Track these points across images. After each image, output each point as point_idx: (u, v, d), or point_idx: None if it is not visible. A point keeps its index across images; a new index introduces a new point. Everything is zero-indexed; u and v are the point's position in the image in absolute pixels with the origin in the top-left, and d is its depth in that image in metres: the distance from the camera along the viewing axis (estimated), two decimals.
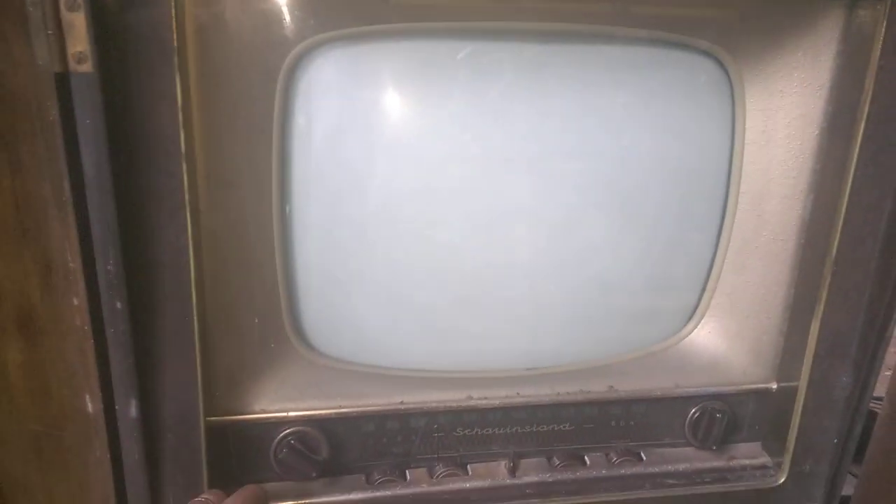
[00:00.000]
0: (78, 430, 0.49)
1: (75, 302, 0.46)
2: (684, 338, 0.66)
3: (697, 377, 0.65)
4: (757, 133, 0.60)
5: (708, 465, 0.67)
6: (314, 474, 0.58)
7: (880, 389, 0.66)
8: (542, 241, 0.61)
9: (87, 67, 0.43)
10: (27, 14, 0.41)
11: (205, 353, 0.53)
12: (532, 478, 0.63)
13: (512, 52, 0.55)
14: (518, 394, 0.62)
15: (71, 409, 0.49)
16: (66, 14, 0.42)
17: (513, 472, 0.63)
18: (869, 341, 0.61)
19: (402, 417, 0.60)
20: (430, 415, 0.61)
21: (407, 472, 0.62)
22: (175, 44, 0.45)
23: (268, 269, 0.56)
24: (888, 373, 0.68)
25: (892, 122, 0.54)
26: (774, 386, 0.66)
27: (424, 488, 0.61)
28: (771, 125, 0.59)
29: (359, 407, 0.59)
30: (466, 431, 0.62)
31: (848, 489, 0.71)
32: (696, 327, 0.66)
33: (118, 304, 0.47)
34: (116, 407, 0.49)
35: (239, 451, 0.57)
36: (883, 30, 0.52)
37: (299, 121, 0.54)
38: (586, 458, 0.65)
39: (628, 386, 0.64)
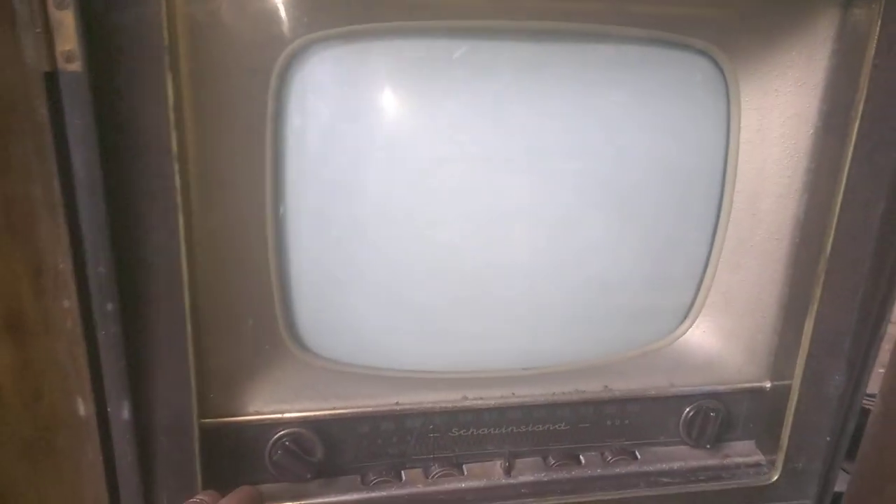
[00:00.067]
0: (70, 433, 0.49)
1: (66, 304, 0.46)
2: (679, 337, 0.66)
3: (692, 376, 0.65)
4: (752, 132, 0.60)
5: (702, 463, 0.67)
6: (309, 476, 0.58)
7: (873, 387, 0.67)
8: (538, 241, 0.61)
9: (76, 66, 0.42)
10: (14, 12, 0.41)
11: (198, 354, 0.52)
12: (528, 477, 0.63)
13: (508, 52, 0.55)
14: (513, 394, 0.62)
15: (63, 412, 0.48)
16: (54, 12, 0.41)
17: (508, 471, 0.63)
18: (862, 340, 0.62)
19: (398, 418, 0.60)
20: (426, 415, 0.61)
21: (402, 472, 0.62)
22: (166, 42, 0.45)
23: (262, 270, 0.55)
24: (881, 370, 0.69)
25: (887, 121, 0.54)
26: (768, 384, 0.66)
27: (420, 489, 0.61)
28: (766, 124, 0.59)
29: (354, 408, 0.59)
30: (462, 432, 0.62)
31: (841, 486, 0.71)
32: (690, 326, 0.66)
33: (109, 306, 0.46)
34: (109, 409, 0.48)
35: (233, 453, 0.57)
36: (878, 29, 0.52)
37: (293, 120, 0.53)
38: (581, 457, 0.65)
39: (623, 385, 0.64)
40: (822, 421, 0.64)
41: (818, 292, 0.59)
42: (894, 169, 0.56)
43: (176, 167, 0.47)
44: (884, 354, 0.66)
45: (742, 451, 0.68)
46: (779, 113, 0.59)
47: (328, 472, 0.60)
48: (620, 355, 0.65)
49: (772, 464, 0.67)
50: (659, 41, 0.57)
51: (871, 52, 0.53)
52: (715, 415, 0.65)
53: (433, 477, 0.62)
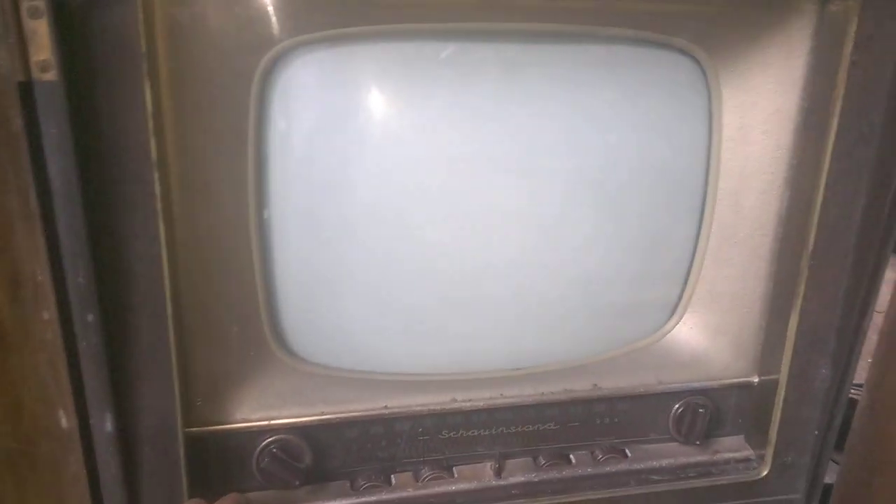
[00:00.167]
0: (52, 445, 0.48)
1: (46, 316, 0.45)
2: (666, 334, 0.66)
3: (680, 373, 0.65)
4: (734, 129, 0.60)
5: (692, 459, 0.67)
6: (297, 482, 0.57)
7: (861, 376, 0.67)
8: (526, 241, 0.61)
9: (51, 76, 0.42)
10: None
11: (182, 363, 0.52)
12: (518, 478, 0.63)
13: (494, 53, 0.55)
14: (502, 395, 0.62)
15: (44, 425, 0.48)
16: (28, 21, 0.41)
17: (499, 473, 0.63)
18: (847, 333, 0.62)
19: (386, 422, 0.60)
20: (415, 418, 0.61)
21: (392, 476, 0.62)
22: (144, 49, 0.44)
23: (246, 276, 0.55)
24: (870, 360, 0.69)
25: (865, 117, 0.55)
26: (756, 380, 0.66)
27: (410, 492, 0.61)
28: (747, 121, 0.59)
29: (342, 413, 0.59)
30: (451, 434, 0.62)
31: (831, 477, 0.72)
32: (677, 323, 0.66)
33: (90, 317, 0.46)
34: (91, 421, 0.48)
35: (220, 461, 0.56)
36: (855, 25, 0.53)
37: (277, 124, 0.53)
38: (572, 456, 0.65)
39: (612, 384, 0.64)
40: (809, 415, 0.65)
41: (802, 287, 0.60)
42: (874, 164, 0.56)
43: (156, 174, 0.47)
44: (871, 344, 0.66)
45: (731, 447, 0.68)
46: (760, 110, 0.59)
47: (317, 477, 0.59)
48: (608, 353, 0.65)
49: (761, 458, 0.67)
50: (641, 41, 0.57)
51: (849, 48, 0.53)
52: (703, 411, 0.65)
53: (423, 480, 0.62)
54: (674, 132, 0.61)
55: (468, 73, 0.55)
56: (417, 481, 0.62)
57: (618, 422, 0.65)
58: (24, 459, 0.49)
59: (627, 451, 0.66)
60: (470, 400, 0.61)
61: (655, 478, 0.65)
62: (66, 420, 0.48)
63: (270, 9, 0.49)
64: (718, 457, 0.68)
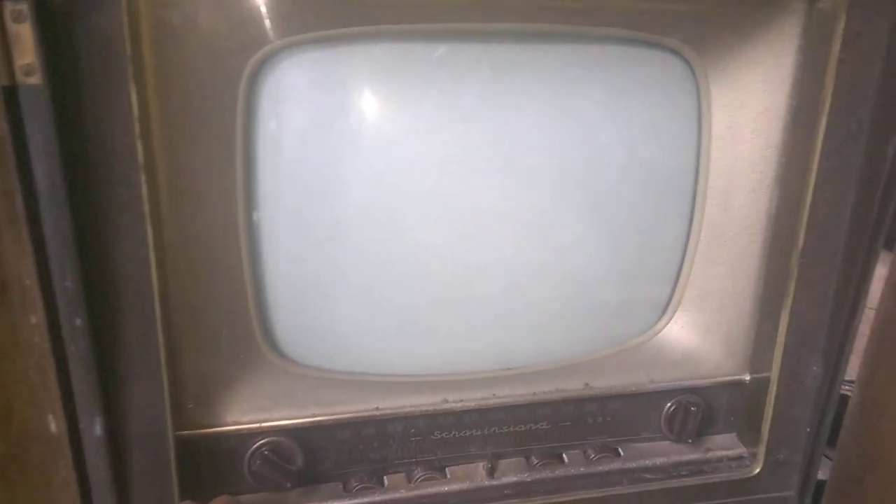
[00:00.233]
0: (42, 450, 0.48)
1: (33, 320, 0.45)
2: (658, 333, 0.67)
3: (672, 371, 0.66)
4: (723, 128, 0.60)
5: (685, 458, 0.67)
6: (289, 485, 0.57)
7: (852, 373, 0.67)
8: (517, 241, 0.61)
9: (35, 80, 0.41)
10: None
11: (172, 366, 0.52)
12: (511, 478, 0.63)
13: (485, 53, 0.55)
14: (494, 395, 0.62)
15: (34, 430, 0.48)
16: (11, 26, 0.40)
17: (491, 473, 0.63)
18: (838, 331, 0.62)
19: (378, 423, 0.60)
20: (407, 419, 0.61)
21: (385, 477, 0.62)
22: (128, 52, 0.44)
23: (236, 278, 0.55)
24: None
25: (854, 115, 0.55)
26: (747, 377, 0.67)
27: (403, 493, 0.61)
28: (736, 120, 0.59)
29: (333, 415, 0.59)
30: (444, 434, 0.62)
31: (825, 473, 0.72)
32: (669, 322, 0.67)
33: (78, 321, 0.46)
34: (80, 425, 0.48)
35: (211, 464, 0.56)
36: (843, 23, 0.53)
37: (265, 126, 0.53)
38: (564, 456, 0.65)
39: (603, 383, 0.64)
40: (801, 412, 0.65)
41: (792, 285, 0.60)
42: (862, 162, 0.56)
43: (143, 176, 0.47)
44: (862, 340, 0.66)
45: (724, 445, 0.69)
46: (749, 109, 0.59)
47: (309, 479, 0.59)
48: (600, 353, 0.66)
49: (753, 456, 0.67)
50: (630, 40, 0.57)
51: (837, 45, 0.53)
52: (695, 409, 0.66)
53: (416, 481, 0.62)
54: (663, 131, 0.61)
55: (459, 74, 0.55)
56: (410, 482, 0.62)
57: (610, 421, 0.65)
58: (13, 464, 0.48)
59: (620, 449, 0.67)
60: (462, 400, 0.61)
61: (648, 476, 0.65)
62: (55, 424, 0.47)
63: (259, 10, 0.49)
64: (711, 455, 0.68)
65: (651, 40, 0.57)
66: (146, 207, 0.47)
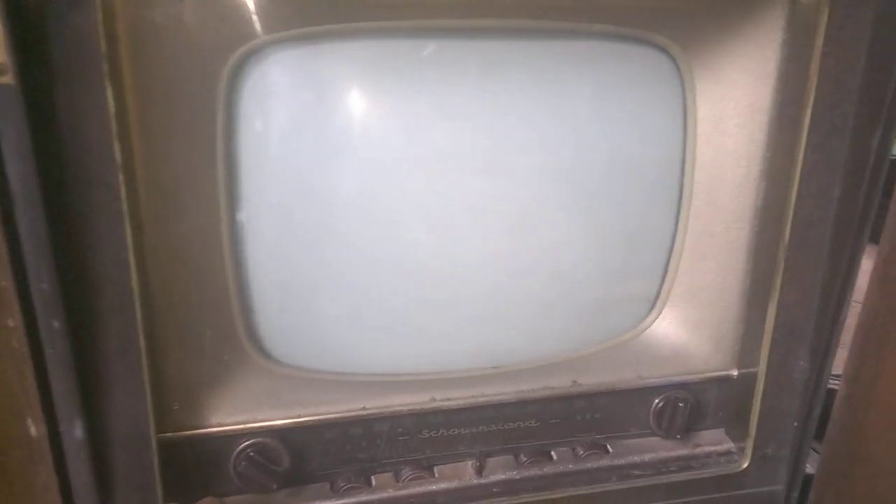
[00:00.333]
0: (22, 454, 0.48)
1: (10, 323, 0.44)
2: (645, 329, 0.66)
3: (660, 367, 0.66)
4: (708, 123, 0.60)
5: (674, 454, 0.67)
6: (275, 486, 0.57)
7: (839, 367, 0.68)
8: (504, 238, 0.61)
9: (7, 79, 0.41)
10: None
11: (154, 368, 0.51)
12: (499, 476, 0.63)
13: (472, 50, 0.55)
14: (482, 393, 0.62)
15: (13, 433, 0.47)
16: None
17: (480, 471, 0.63)
18: (824, 325, 0.62)
19: (365, 423, 0.60)
20: (394, 419, 0.60)
21: (372, 477, 0.61)
22: (103, 49, 0.43)
23: (219, 279, 0.54)
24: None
25: (838, 109, 0.55)
26: (735, 373, 0.67)
27: (391, 493, 0.60)
28: (721, 115, 0.59)
29: (319, 415, 0.58)
30: (432, 433, 0.62)
31: (813, 467, 0.72)
32: (656, 318, 0.66)
33: (56, 324, 0.45)
34: (60, 429, 0.47)
35: (196, 467, 0.56)
36: (826, 17, 0.52)
37: (246, 125, 0.52)
38: (553, 453, 0.65)
39: (591, 379, 0.64)
40: (788, 406, 0.65)
41: (779, 280, 0.60)
42: (847, 155, 0.56)
43: (121, 176, 0.46)
44: (849, 334, 0.66)
45: (712, 440, 0.69)
46: (734, 103, 0.59)
47: (296, 480, 0.59)
48: (588, 350, 0.65)
49: (742, 451, 0.67)
50: (616, 36, 0.57)
51: (820, 40, 0.53)
52: (684, 405, 0.66)
53: (404, 480, 0.61)
54: (649, 127, 0.61)
55: (446, 72, 0.55)
56: (398, 482, 0.61)
57: (598, 417, 0.65)
58: None
59: (608, 446, 0.67)
60: (449, 399, 0.61)
61: (637, 472, 0.65)
62: (34, 428, 0.47)
63: (240, 6, 0.48)
64: (699, 450, 0.68)
65: (637, 36, 0.57)
66: (125, 207, 0.46)
